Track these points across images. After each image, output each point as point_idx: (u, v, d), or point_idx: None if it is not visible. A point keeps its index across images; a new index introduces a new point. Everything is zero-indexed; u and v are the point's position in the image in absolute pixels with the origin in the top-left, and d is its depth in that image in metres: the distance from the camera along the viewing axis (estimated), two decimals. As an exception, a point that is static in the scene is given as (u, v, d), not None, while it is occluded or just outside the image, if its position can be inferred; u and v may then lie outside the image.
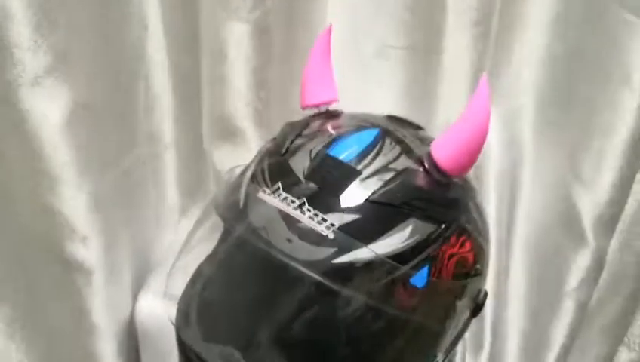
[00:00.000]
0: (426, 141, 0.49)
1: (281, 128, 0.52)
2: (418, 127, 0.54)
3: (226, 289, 0.53)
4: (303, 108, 0.53)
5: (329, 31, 0.53)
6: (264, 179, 0.47)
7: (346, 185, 0.44)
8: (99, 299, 0.63)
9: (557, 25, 0.72)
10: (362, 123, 0.51)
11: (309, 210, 0.43)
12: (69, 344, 0.66)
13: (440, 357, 0.50)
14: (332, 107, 0.54)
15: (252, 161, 0.51)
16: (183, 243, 0.55)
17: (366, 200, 0.44)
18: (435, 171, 0.46)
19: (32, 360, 0.68)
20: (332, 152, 0.47)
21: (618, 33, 0.64)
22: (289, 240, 0.43)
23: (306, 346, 0.50)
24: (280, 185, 0.45)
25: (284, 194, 0.44)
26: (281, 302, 0.48)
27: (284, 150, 0.48)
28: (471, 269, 0.49)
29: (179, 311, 0.52)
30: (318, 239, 0.42)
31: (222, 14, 0.65)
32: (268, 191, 0.45)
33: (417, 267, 0.44)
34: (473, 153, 0.46)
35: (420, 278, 0.44)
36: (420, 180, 0.46)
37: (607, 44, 0.66)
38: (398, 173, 0.46)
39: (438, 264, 0.45)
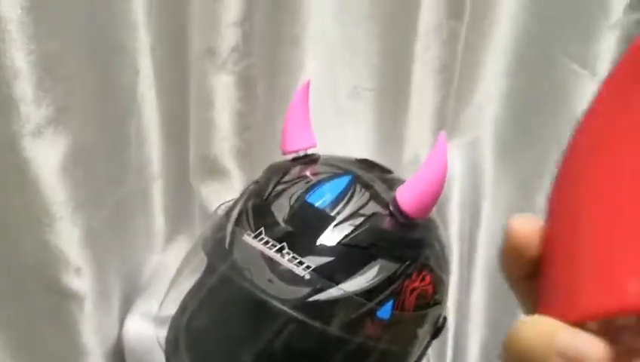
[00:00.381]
0: (393, 185, 0.53)
1: (264, 171, 0.56)
2: (387, 171, 0.58)
3: (211, 320, 0.56)
4: (284, 153, 0.57)
5: (307, 85, 0.57)
6: (248, 223, 0.51)
7: (322, 231, 0.49)
8: (89, 323, 0.66)
9: (512, 70, 0.79)
10: (336, 170, 0.55)
11: (288, 253, 0.47)
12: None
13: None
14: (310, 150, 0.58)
15: (237, 201, 0.55)
16: (173, 276, 0.59)
17: (338, 243, 0.49)
18: (399, 215, 0.50)
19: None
20: (309, 199, 0.51)
21: (565, 79, 0.72)
22: (270, 281, 0.47)
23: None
24: (263, 229, 0.49)
25: (265, 238, 0.48)
26: (262, 334, 0.51)
27: (266, 195, 0.52)
28: (430, 299, 0.54)
29: (167, 340, 0.56)
30: (296, 280, 0.46)
31: (210, 67, 0.69)
32: (252, 234, 0.49)
33: (383, 302, 0.48)
34: (433, 198, 0.51)
35: (385, 311, 0.49)
36: (386, 224, 0.51)
37: (557, 88, 0.73)
38: (367, 218, 0.50)
39: (401, 298, 0.50)
